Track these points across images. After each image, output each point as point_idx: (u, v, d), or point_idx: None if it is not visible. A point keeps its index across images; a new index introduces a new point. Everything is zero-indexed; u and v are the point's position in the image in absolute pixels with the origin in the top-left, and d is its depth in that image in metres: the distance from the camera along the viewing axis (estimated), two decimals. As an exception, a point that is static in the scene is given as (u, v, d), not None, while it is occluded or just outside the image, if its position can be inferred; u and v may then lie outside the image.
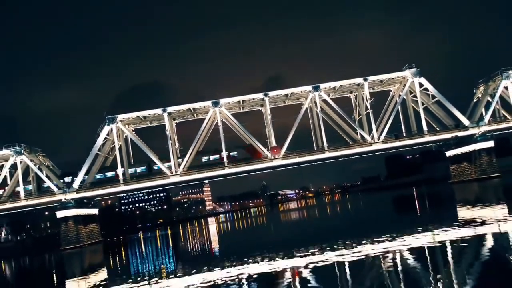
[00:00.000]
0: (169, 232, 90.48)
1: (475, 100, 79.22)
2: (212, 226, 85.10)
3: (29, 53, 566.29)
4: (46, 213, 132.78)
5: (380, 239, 21.13)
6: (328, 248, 20.70)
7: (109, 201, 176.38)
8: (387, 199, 71.03)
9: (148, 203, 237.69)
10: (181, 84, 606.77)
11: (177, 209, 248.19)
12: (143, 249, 47.48)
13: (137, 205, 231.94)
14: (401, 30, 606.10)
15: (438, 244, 17.47)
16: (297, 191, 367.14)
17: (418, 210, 40.82)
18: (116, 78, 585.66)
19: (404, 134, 76.18)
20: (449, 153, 78.57)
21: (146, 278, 22.12)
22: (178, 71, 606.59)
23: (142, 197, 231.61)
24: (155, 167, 73.65)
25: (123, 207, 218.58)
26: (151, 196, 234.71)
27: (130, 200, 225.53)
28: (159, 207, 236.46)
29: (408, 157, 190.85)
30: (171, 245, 49.51)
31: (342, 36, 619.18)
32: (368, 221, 37.14)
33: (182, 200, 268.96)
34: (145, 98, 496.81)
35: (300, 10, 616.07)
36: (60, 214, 70.63)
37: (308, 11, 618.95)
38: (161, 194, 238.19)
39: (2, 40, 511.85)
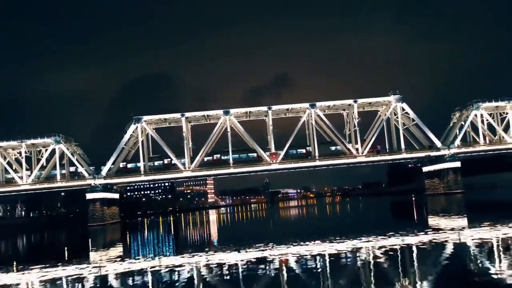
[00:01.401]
0: (171, 219, 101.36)
1: (451, 125, 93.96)
2: (213, 216, 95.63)
3: (35, 45, 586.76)
4: (62, 193, 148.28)
5: (363, 237, 24.06)
6: (318, 242, 23.60)
7: (115, 187, 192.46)
8: (380, 204, 79.63)
9: (153, 191, 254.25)
10: (182, 83, 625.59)
11: (181, 199, 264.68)
12: (147, 232, 54.57)
13: (142, 192, 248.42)
14: (401, 33, 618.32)
15: (406, 245, 20.05)
16: (298, 190, 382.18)
17: (396, 216, 48.02)
18: (118, 72, 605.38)
19: (388, 150, 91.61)
20: (424, 169, 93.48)
21: (155, 254, 26.60)
22: (178, 70, 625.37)
23: (148, 186, 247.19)
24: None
25: (128, 193, 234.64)
26: (156, 185, 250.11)
27: (136, 187, 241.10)
28: (163, 196, 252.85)
29: (410, 165, 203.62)
30: (175, 229, 57.27)
31: (342, 36, 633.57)
32: (355, 221, 42.59)
33: (185, 191, 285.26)
34: (144, 96, 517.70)
35: (300, 10, 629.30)
36: (89, 196, 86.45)
37: (309, 11, 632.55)
38: (166, 184, 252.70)
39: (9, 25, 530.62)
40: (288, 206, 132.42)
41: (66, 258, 29.07)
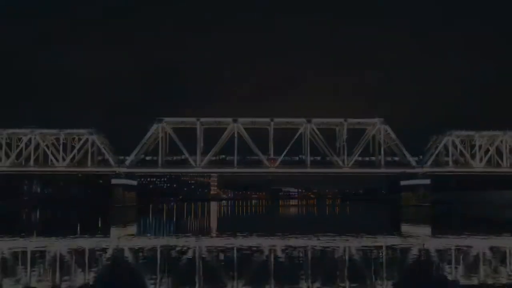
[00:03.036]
0: (174, 207, 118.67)
1: (428, 147, 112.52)
2: (214, 208, 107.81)
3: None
4: (80, 175, 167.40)
5: (348, 236, 28.52)
6: (307, 237, 27.62)
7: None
8: (376, 210, 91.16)
9: (159, 179, 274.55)
10: (189, 75, 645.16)
11: (185, 189, 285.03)
12: (163, 216, 66.22)
13: (148, 179, 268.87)
14: (417, 46, 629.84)
15: (377, 247, 23.21)
16: (299, 190, 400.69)
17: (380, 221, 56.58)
18: (125, 59, 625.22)
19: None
20: (402, 183, 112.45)
21: (165, 233, 32.75)
22: (186, 63, 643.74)
23: (155, 174, 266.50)
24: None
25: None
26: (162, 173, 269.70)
27: (144, 174, 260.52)
28: (168, 185, 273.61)
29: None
30: (180, 215, 68.10)
31: (351, 39, 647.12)
32: (348, 223, 50.28)
33: (189, 181, 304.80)
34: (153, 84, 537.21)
35: (310, 11, 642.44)
36: (114, 181, 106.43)
37: (318, 12, 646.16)
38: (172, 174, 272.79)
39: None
40: (288, 205, 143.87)
41: (92, 231, 35.31)
